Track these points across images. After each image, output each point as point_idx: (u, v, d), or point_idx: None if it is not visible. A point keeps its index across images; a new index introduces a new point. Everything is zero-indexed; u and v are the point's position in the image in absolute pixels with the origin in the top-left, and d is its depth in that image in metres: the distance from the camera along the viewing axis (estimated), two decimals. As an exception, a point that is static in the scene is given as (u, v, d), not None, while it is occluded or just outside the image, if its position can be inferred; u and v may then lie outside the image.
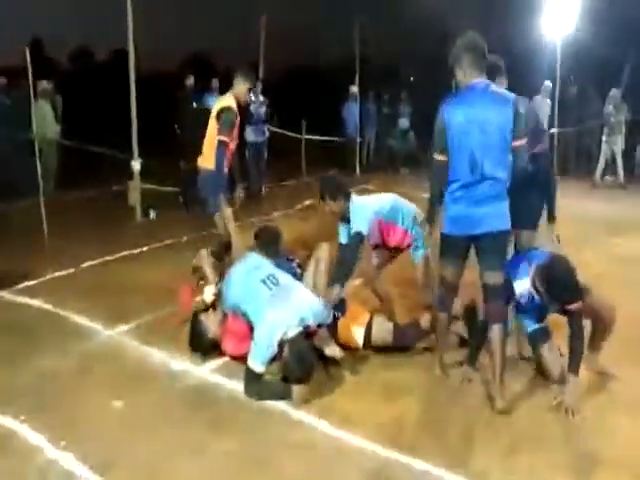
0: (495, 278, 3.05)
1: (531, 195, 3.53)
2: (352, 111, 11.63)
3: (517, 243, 3.65)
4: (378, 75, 15.76)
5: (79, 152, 8.28)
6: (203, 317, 3.57)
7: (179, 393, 3.25)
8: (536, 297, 3.18)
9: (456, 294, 3.30)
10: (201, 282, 3.85)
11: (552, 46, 11.18)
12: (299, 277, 3.70)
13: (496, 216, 3.02)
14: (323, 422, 2.95)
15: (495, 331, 3.05)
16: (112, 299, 4.56)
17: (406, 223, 3.78)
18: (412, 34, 22.60)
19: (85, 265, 5.47)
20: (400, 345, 3.57)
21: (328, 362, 3.43)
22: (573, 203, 7.32)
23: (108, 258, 5.70)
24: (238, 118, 4.42)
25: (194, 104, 7.78)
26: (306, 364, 3.13)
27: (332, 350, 3.30)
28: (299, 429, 2.92)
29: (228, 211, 4.46)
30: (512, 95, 3.01)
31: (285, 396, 3.13)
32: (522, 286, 3.19)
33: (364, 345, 3.52)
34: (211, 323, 3.54)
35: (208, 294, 3.58)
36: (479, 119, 2.92)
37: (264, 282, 3.37)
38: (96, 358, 3.64)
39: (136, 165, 7.22)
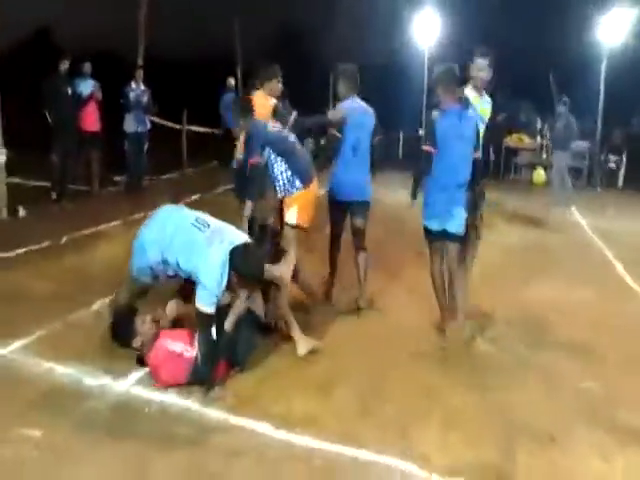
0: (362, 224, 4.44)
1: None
2: (230, 103, 11.33)
3: None
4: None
5: None
6: (139, 321, 3.25)
7: (102, 412, 2.95)
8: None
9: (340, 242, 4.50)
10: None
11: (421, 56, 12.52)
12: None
13: (367, 186, 4.36)
14: (264, 425, 2.88)
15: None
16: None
17: None
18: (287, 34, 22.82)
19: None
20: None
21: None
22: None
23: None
24: None
25: (69, 90, 7.05)
26: (258, 255, 3.31)
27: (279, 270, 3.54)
28: (241, 435, 2.83)
29: None
30: (371, 109, 4.40)
31: (207, 386, 3.11)
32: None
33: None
34: (142, 332, 3.24)
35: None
36: (356, 121, 4.25)
37: (194, 225, 3.30)
38: (-7, 382, 3.17)
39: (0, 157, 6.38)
